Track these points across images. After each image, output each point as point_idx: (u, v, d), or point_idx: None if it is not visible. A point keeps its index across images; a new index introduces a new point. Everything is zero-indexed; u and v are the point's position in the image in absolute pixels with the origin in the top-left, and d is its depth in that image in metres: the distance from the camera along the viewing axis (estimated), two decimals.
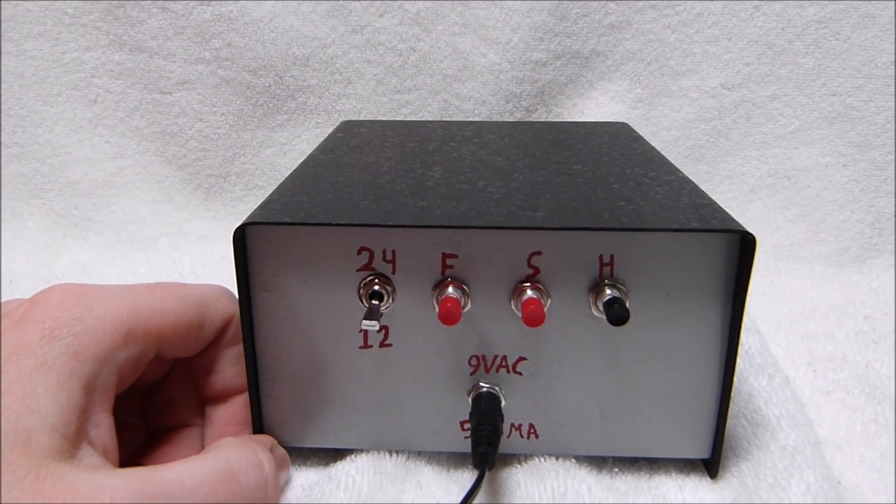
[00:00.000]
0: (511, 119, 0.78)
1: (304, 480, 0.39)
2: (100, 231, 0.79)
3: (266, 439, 0.38)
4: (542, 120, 0.78)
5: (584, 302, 0.36)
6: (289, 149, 0.80)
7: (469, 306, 0.36)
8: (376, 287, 0.36)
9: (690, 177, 0.76)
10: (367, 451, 0.40)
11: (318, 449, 0.40)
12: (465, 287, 0.36)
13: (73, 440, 0.29)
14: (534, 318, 0.34)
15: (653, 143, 0.76)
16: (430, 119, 0.78)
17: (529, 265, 0.36)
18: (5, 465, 0.26)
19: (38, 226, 0.79)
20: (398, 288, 0.36)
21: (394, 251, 0.36)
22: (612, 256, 0.35)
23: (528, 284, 0.36)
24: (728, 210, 0.79)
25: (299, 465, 0.40)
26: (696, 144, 0.77)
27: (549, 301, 0.36)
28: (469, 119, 0.78)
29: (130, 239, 0.78)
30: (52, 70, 0.79)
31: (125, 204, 0.80)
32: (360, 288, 0.36)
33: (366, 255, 0.36)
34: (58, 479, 0.27)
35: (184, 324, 0.34)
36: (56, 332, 0.30)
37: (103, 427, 0.31)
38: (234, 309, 0.38)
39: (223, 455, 0.32)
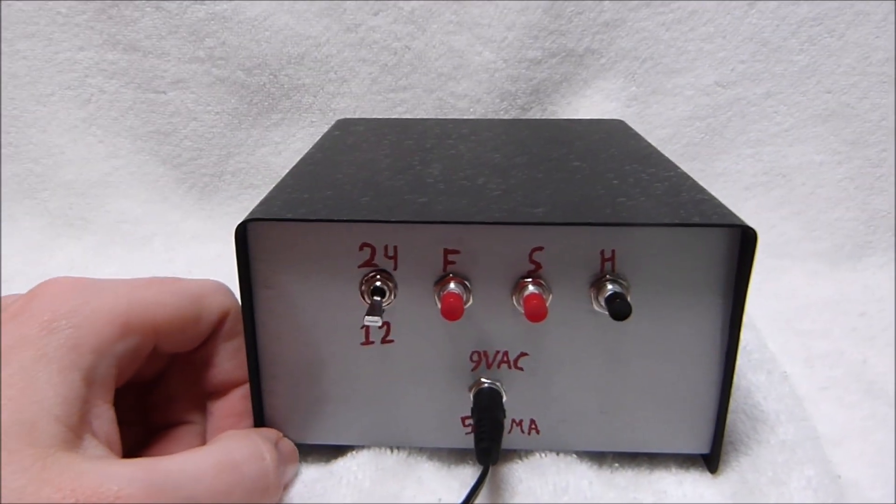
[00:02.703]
0: (506, 117, 0.78)
1: (305, 477, 0.39)
2: (94, 231, 0.78)
3: (271, 433, 0.38)
4: (538, 118, 0.78)
5: (586, 297, 0.36)
6: (283, 148, 0.80)
7: (471, 302, 0.36)
8: (378, 283, 0.36)
9: None
10: (369, 447, 0.40)
11: (320, 445, 0.40)
12: (466, 283, 0.36)
13: (77, 430, 0.29)
14: (536, 313, 0.34)
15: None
16: (426, 117, 0.78)
17: (531, 261, 0.36)
18: (11, 454, 0.26)
19: (32, 226, 0.78)
20: (400, 284, 0.36)
21: (395, 247, 0.36)
22: (613, 251, 0.35)
23: (530, 280, 0.36)
24: None
25: (301, 462, 0.40)
26: (690, 142, 0.77)
27: (551, 296, 0.36)
28: (464, 117, 0.78)
29: (125, 238, 0.77)
30: (45, 70, 0.78)
31: (119, 203, 0.79)
32: (361, 284, 0.36)
33: (367, 251, 0.36)
34: (64, 467, 0.27)
35: (180, 317, 0.35)
36: (54, 324, 0.30)
37: (105, 418, 0.31)
38: (231, 303, 0.38)
39: (225, 446, 0.32)
